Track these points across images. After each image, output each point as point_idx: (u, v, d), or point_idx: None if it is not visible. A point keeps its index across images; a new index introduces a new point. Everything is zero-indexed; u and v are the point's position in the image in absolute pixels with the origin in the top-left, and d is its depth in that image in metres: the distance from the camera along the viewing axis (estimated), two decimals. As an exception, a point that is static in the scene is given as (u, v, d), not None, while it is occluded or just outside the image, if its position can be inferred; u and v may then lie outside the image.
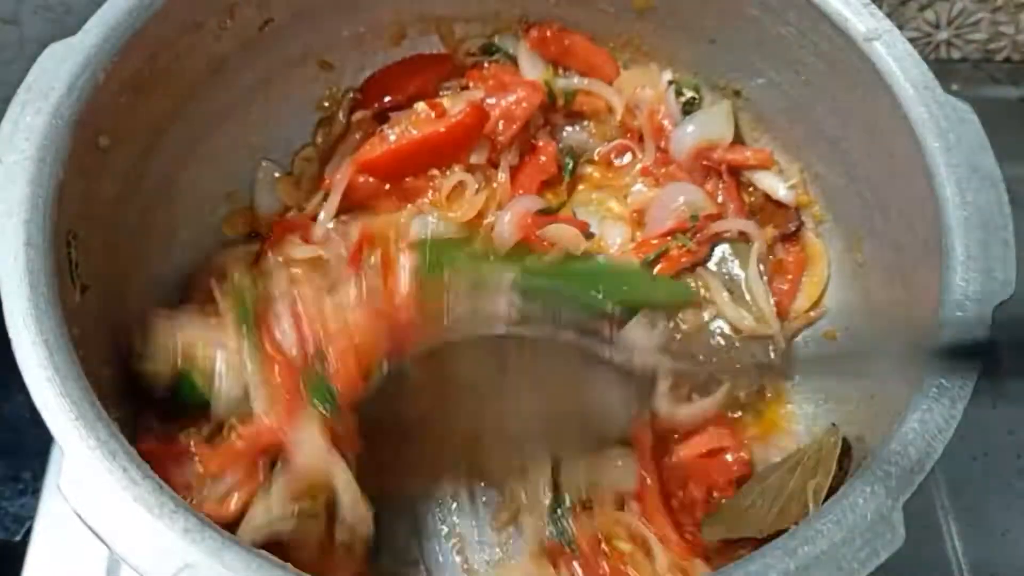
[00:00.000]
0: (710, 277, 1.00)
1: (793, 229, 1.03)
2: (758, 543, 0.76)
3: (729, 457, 0.90)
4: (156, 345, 0.81)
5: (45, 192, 0.73)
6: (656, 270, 1.00)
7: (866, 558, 0.62)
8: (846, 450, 0.82)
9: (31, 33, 1.08)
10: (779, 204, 1.03)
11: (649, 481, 0.88)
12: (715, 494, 0.89)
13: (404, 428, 0.85)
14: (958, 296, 0.73)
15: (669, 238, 1.01)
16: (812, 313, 1.01)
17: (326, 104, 1.10)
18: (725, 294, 0.98)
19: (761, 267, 1.00)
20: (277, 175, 1.07)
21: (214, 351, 0.80)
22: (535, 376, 0.86)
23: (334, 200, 1.00)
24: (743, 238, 1.02)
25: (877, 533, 0.63)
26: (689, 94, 1.07)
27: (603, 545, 0.86)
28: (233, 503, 0.76)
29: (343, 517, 0.78)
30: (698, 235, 1.01)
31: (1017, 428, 1.09)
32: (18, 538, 1.05)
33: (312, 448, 0.77)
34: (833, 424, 0.88)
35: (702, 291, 0.98)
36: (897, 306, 0.87)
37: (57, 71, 0.77)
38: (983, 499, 1.04)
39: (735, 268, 1.00)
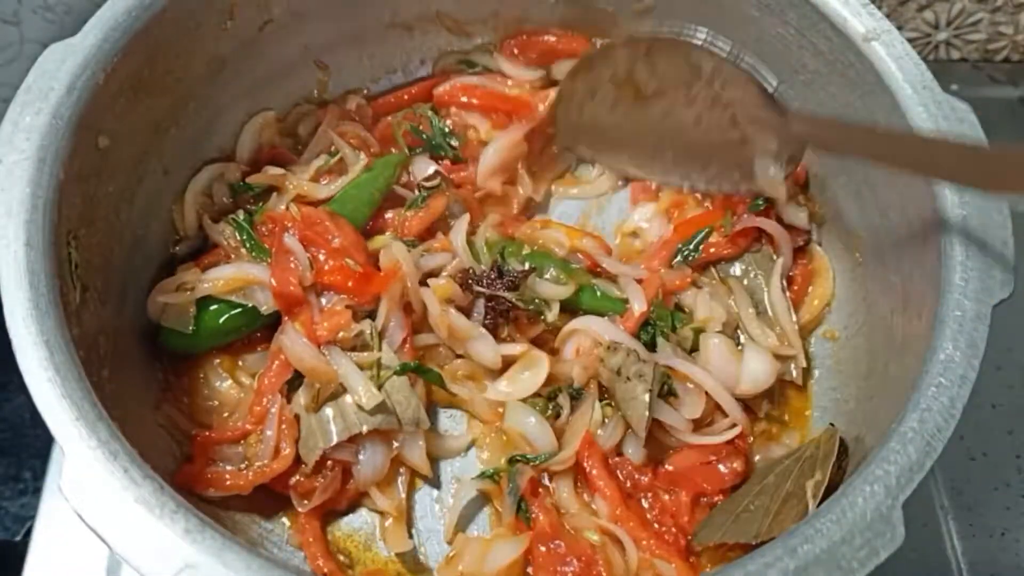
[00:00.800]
0: (737, 289, 0.99)
1: (801, 243, 1.02)
2: (752, 545, 0.76)
3: (722, 467, 0.88)
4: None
5: (45, 192, 0.73)
6: (695, 260, 1.01)
7: (866, 557, 0.62)
8: (844, 450, 0.82)
9: (31, 33, 1.07)
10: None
11: (603, 484, 0.86)
12: (704, 499, 0.88)
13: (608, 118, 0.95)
14: (957, 295, 0.73)
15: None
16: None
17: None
18: (750, 309, 0.98)
19: (784, 284, 0.99)
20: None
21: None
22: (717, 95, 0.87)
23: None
24: (769, 247, 1.01)
25: (877, 532, 0.63)
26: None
27: (568, 527, 0.85)
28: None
29: (359, 403, 0.85)
30: (735, 219, 1.00)
31: (1017, 428, 1.09)
32: (18, 538, 1.05)
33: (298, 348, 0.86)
34: (831, 424, 0.88)
35: (729, 302, 0.98)
36: (896, 305, 0.87)
37: (57, 71, 0.77)
38: (983, 499, 1.04)
39: (758, 283, 1.00)
